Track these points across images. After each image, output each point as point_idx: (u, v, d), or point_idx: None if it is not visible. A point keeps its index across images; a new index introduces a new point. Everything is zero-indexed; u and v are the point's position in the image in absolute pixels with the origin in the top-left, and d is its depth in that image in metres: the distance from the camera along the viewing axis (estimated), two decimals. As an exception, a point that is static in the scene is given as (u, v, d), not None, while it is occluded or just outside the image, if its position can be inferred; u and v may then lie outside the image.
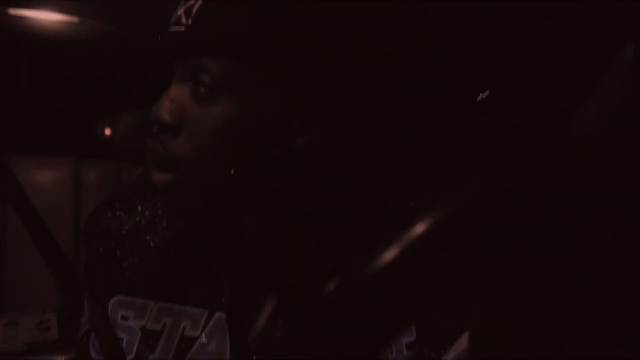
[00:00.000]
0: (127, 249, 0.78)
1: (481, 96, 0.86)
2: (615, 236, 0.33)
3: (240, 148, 0.69)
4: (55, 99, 2.76)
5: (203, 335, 0.74)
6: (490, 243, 0.33)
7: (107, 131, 2.93)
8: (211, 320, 0.74)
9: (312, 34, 0.68)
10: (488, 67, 1.02)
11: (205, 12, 0.67)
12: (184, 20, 0.68)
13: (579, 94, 0.31)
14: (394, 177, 0.83)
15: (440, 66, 1.09)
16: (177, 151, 0.68)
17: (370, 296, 0.34)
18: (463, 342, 0.68)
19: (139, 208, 0.80)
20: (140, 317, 0.76)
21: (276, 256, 0.76)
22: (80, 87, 2.76)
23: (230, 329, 0.74)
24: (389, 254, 0.34)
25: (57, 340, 1.59)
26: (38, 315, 1.60)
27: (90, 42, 2.21)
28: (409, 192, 0.76)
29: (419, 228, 0.33)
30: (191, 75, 0.68)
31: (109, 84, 2.70)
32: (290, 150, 0.70)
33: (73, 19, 2.04)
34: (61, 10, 2.02)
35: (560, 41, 0.75)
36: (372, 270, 0.34)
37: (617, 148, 0.31)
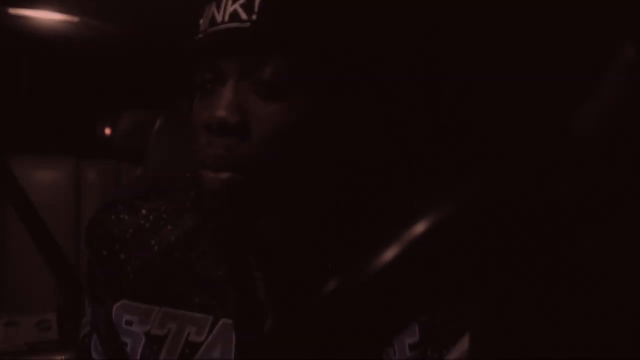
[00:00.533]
0: (131, 252, 0.76)
1: (479, 96, 0.86)
2: (614, 236, 0.33)
3: (300, 148, 0.68)
4: (55, 99, 2.76)
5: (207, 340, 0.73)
6: (490, 242, 0.33)
7: (107, 131, 2.93)
8: (216, 326, 0.73)
9: (355, 32, 0.69)
10: (488, 67, 1.02)
11: (269, 8, 0.65)
12: (244, 16, 0.65)
13: (578, 94, 0.31)
14: (397, 179, 0.83)
15: (441, 66, 1.09)
16: (243, 151, 0.65)
17: (370, 296, 0.34)
18: (465, 342, 0.67)
19: (144, 211, 0.78)
20: (145, 322, 0.75)
21: (284, 261, 0.74)
22: (80, 87, 2.76)
23: (237, 335, 0.72)
24: (389, 254, 0.34)
25: (57, 340, 1.59)
26: (38, 315, 1.61)
27: (90, 42, 2.21)
28: (411, 193, 0.76)
29: (419, 228, 0.33)
30: (249, 72, 0.66)
31: (109, 84, 2.70)
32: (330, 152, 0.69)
33: (73, 19, 2.04)
34: (61, 10, 2.02)
35: (560, 41, 0.75)
36: (372, 270, 0.34)
37: (616, 148, 0.31)
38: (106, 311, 0.77)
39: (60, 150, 2.31)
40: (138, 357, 0.74)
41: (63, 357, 1.51)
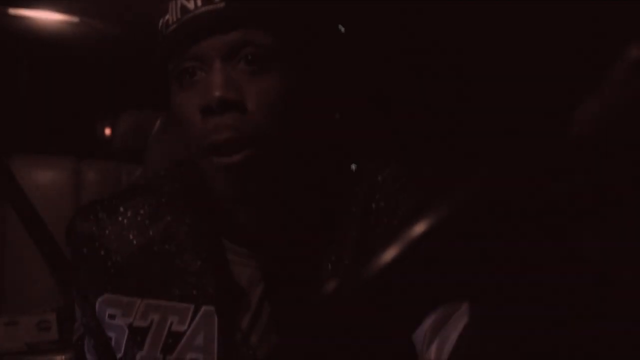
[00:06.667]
0: (110, 248, 0.78)
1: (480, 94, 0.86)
2: (613, 236, 0.33)
3: (295, 118, 0.70)
4: (55, 99, 2.76)
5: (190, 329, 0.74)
6: (489, 241, 0.33)
7: (107, 131, 2.93)
8: (198, 314, 0.74)
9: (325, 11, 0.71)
10: (488, 66, 1.02)
11: None
12: None
13: (579, 95, 0.31)
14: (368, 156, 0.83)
15: (441, 64, 1.09)
16: (250, 127, 0.67)
17: (371, 296, 0.34)
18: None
19: (121, 209, 0.80)
20: (127, 314, 0.76)
21: (263, 247, 0.76)
22: (80, 87, 2.76)
23: (219, 321, 0.74)
24: (389, 254, 0.34)
25: (57, 340, 1.59)
26: (38, 315, 1.60)
27: (90, 42, 2.20)
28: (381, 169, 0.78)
29: (419, 228, 0.33)
30: (232, 53, 0.67)
31: (109, 84, 2.70)
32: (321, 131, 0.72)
33: (73, 19, 2.04)
34: (61, 10, 2.02)
35: (561, 41, 0.75)
36: (372, 269, 0.34)
37: (617, 149, 0.31)
38: (92, 308, 0.78)
39: (60, 150, 2.30)
40: (122, 350, 0.76)
41: (63, 357, 1.51)
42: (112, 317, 0.77)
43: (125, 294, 0.76)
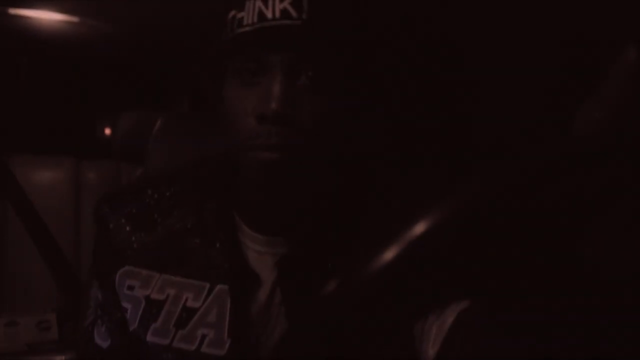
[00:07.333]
0: (135, 225, 0.84)
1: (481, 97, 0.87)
2: (614, 233, 0.34)
3: (332, 135, 0.76)
4: (55, 99, 2.76)
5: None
6: (490, 240, 0.33)
7: (107, 131, 2.93)
8: (212, 292, 0.79)
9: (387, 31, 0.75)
10: (488, 68, 1.02)
11: (318, 7, 0.71)
12: (294, 14, 0.70)
13: (580, 95, 0.31)
14: (395, 174, 0.88)
15: (442, 66, 1.09)
16: (291, 139, 0.72)
17: (371, 295, 0.34)
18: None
19: (149, 191, 0.86)
20: (146, 287, 0.81)
21: (281, 238, 0.81)
22: (80, 87, 2.76)
23: (232, 301, 0.78)
24: (389, 254, 0.34)
25: (57, 340, 1.59)
26: (38, 315, 1.60)
27: (90, 42, 2.20)
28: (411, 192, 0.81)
29: (419, 228, 0.33)
30: (294, 66, 0.71)
31: (109, 84, 2.70)
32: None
33: (73, 19, 2.04)
34: (61, 10, 2.01)
35: (561, 43, 0.76)
36: (373, 269, 0.34)
37: (617, 149, 0.31)
38: (110, 283, 0.83)
39: (60, 150, 2.31)
40: (137, 321, 0.81)
41: (63, 357, 1.51)
42: (130, 287, 0.82)
43: (145, 267, 0.82)
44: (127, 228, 0.84)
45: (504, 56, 0.97)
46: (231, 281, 0.79)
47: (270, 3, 0.71)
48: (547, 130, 0.33)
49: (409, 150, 0.98)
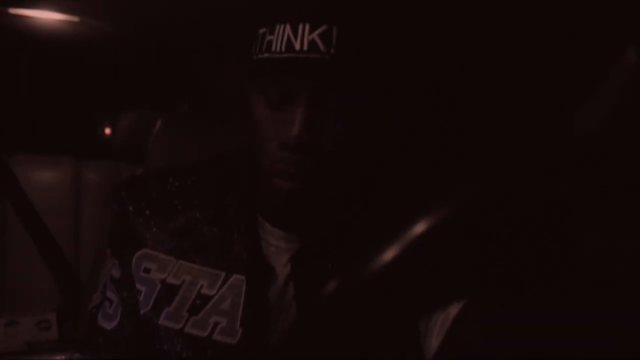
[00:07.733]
0: (155, 209, 0.85)
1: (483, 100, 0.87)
2: (614, 233, 0.34)
3: (351, 159, 0.78)
4: (55, 98, 2.76)
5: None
6: (490, 242, 0.33)
7: (107, 131, 2.93)
8: (227, 281, 0.80)
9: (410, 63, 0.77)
10: (489, 69, 1.02)
11: (346, 41, 0.71)
12: (322, 47, 0.70)
13: (580, 96, 0.31)
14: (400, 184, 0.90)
15: (443, 70, 1.10)
16: (311, 166, 0.74)
17: (372, 295, 0.35)
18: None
19: (170, 179, 0.87)
20: (162, 270, 0.82)
21: (298, 235, 0.82)
22: (80, 87, 2.76)
23: (246, 291, 0.80)
24: (389, 254, 0.34)
25: (57, 340, 1.59)
26: (38, 315, 1.60)
27: (90, 42, 2.20)
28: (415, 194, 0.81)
29: (418, 229, 0.33)
30: (318, 96, 0.72)
31: (109, 84, 2.70)
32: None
33: (73, 19, 2.04)
34: (61, 10, 2.02)
35: (562, 44, 0.76)
36: (373, 269, 0.34)
37: (617, 149, 0.31)
38: (127, 263, 0.84)
39: (60, 150, 2.31)
40: (150, 304, 0.82)
41: (63, 357, 1.51)
42: (147, 270, 0.83)
43: (162, 252, 0.83)
44: (147, 212, 0.85)
45: (504, 56, 0.97)
46: (248, 272, 0.80)
47: (299, 32, 0.71)
48: (548, 132, 0.33)
49: (411, 151, 0.99)
